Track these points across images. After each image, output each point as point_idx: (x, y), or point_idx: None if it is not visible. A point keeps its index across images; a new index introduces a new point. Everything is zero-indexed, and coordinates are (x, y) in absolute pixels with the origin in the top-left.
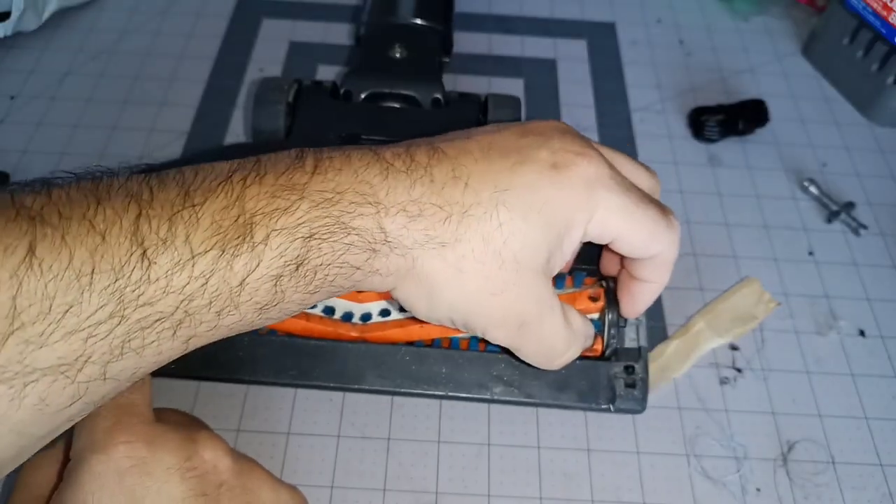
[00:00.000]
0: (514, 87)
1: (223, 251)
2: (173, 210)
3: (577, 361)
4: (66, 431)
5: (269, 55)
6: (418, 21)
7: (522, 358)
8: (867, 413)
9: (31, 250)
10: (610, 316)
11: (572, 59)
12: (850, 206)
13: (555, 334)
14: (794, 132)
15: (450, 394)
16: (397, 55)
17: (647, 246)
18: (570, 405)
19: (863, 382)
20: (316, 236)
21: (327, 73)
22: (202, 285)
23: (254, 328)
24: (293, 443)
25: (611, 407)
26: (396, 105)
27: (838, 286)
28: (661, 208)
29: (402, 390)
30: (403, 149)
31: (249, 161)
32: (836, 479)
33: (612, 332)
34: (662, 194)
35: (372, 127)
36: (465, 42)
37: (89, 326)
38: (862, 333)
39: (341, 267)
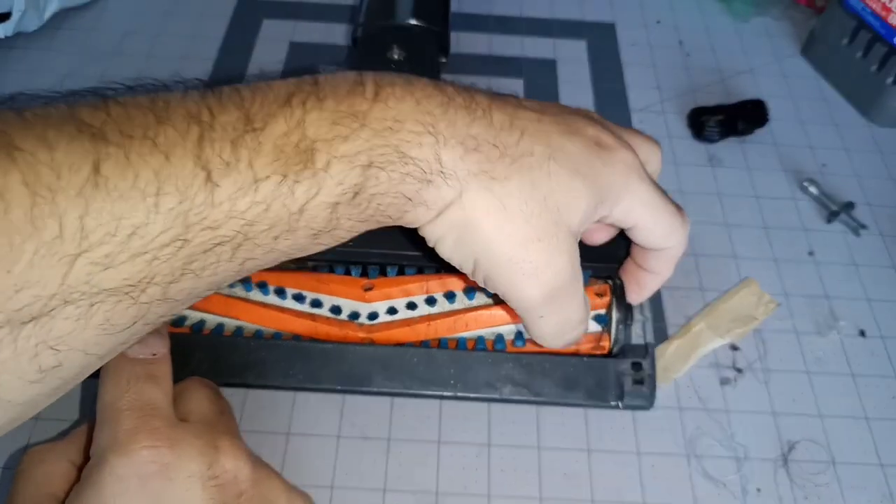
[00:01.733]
0: (514, 87)
1: (285, 177)
2: (235, 133)
3: (585, 359)
4: (81, 428)
5: (269, 56)
6: (415, 22)
7: (532, 329)
8: (867, 413)
9: (96, 169)
10: (617, 313)
11: (572, 59)
12: (849, 206)
13: (577, 303)
14: (793, 133)
15: (459, 394)
16: (395, 56)
17: (664, 239)
18: (578, 403)
19: (863, 383)
20: (375, 164)
21: (327, 72)
22: (264, 210)
23: (305, 253)
24: (293, 443)
25: (619, 404)
26: None
27: (838, 286)
28: (677, 206)
29: (411, 392)
30: (465, 88)
31: (307, 82)
32: (837, 480)
33: (620, 328)
34: None
35: None
36: (466, 42)
37: (154, 248)
38: (862, 334)
39: (395, 197)
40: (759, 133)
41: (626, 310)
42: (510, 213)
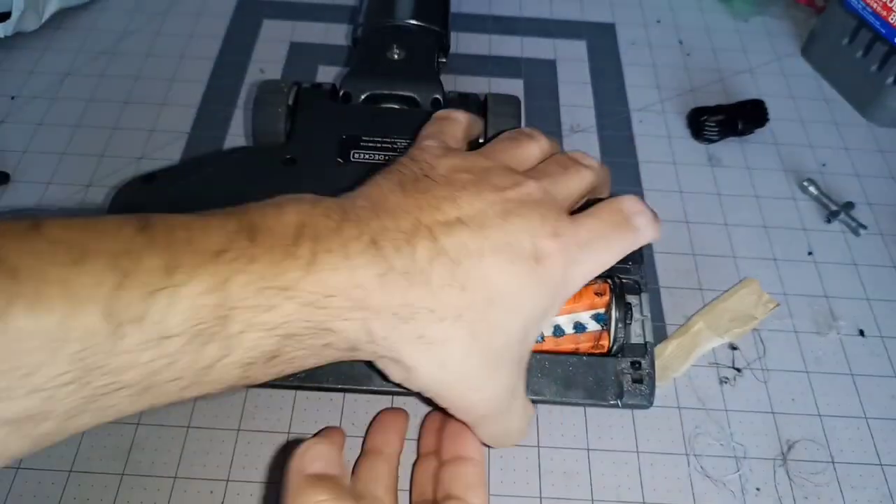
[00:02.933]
0: (513, 87)
1: (196, 336)
2: (152, 287)
3: (585, 358)
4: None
5: (269, 56)
6: (415, 22)
7: (473, 430)
8: (867, 413)
9: (6, 310)
10: (616, 312)
11: (572, 59)
12: (849, 206)
13: (513, 419)
14: (793, 132)
15: None
16: (395, 57)
17: (624, 253)
18: (578, 402)
19: (862, 382)
20: (296, 336)
21: (328, 73)
22: (168, 364)
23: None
24: (294, 443)
25: (619, 402)
26: (396, 106)
27: (838, 286)
28: (608, 216)
29: (412, 391)
30: (404, 237)
31: (243, 235)
32: (836, 479)
33: (619, 327)
34: (662, 195)
35: (372, 128)
36: (465, 42)
37: (52, 387)
38: (861, 333)
39: (318, 356)
40: (759, 133)
41: (626, 309)
42: (448, 371)
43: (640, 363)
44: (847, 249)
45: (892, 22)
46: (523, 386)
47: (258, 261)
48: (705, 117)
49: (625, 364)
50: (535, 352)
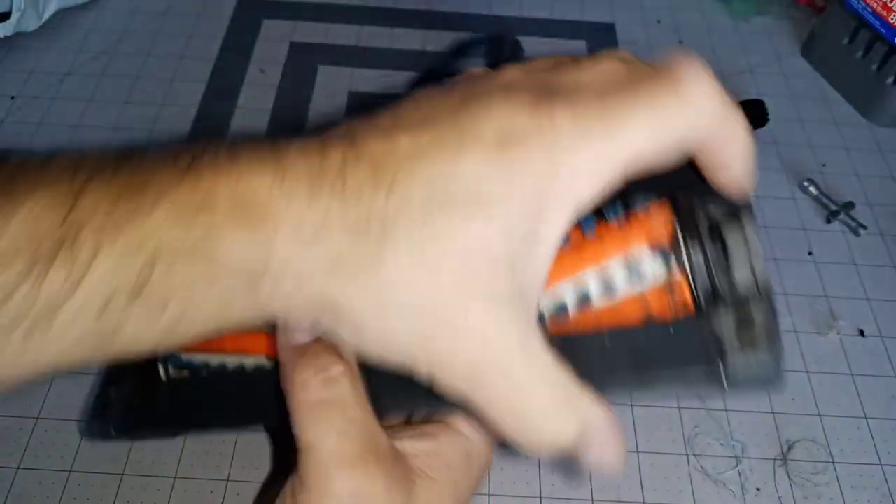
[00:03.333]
0: None
1: (32, 266)
2: None
3: (650, 329)
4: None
5: (269, 55)
6: None
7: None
8: (867, 413)
9: None
10: (688, 238)
11: None
12: (849, 206)
13: (528, 389)
14: (793, 132)
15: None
16: None
17: (669, 136)
18: (661, 387)
19: (862, 382)
20: (164, 258)
21: (327, 73)
22: (2, 299)
23: (89, 366)
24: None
25: (724, 378)
26: None
27: (838, 286)
28: (635, 74)
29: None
30: (317, 145)
31: (110, 161)
32: (836, 479)
33: (701, 258)
34: None
35: None
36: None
37: None
38: (861, 333)
39: (208, 301)
40: (759, 133)
41: (711, 233)
42: (392, 312)
43: (750, 316)
44: (847, 249)
45: (892, 22)
46: (533, 339)
47: (122, 169)
48: None
49: (725, 321)
50: (570, 329)
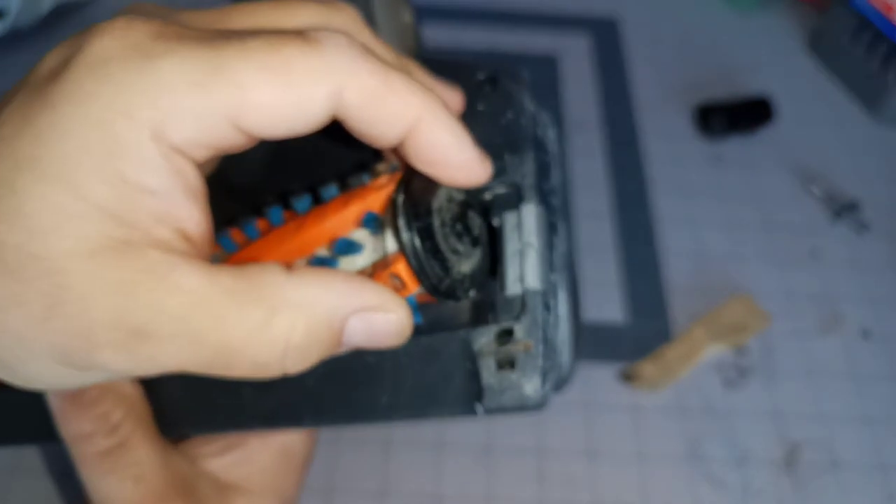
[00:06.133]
0: None
1: None
2: None
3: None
4: None
5: None
6: None
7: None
8: (871, 414)
9: None
10: (404, 213)
11: (575, 55)
12: (853, 206)
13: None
14: (798, 131)
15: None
16: None
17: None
18: (406, 416)
19: (867, 384)
20: None
21: None
22: None
23: None
24: None
25: (476, 407)
26: None
27: (842, 287)
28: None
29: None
30: None
31: None
32: (840, 482)
33: (410, 229)
34: (667, 193)
35: None
36: (466, 37)
37: None
38: (865, 334)
39: None
40: (764, 131)
41: (457, 211)
42: None
43: (510, 331)
44: (851, 250)
45: (894, 20)
46: (168, 266)
47: None
48: (710, 115)
49: (484, 334)
50: None
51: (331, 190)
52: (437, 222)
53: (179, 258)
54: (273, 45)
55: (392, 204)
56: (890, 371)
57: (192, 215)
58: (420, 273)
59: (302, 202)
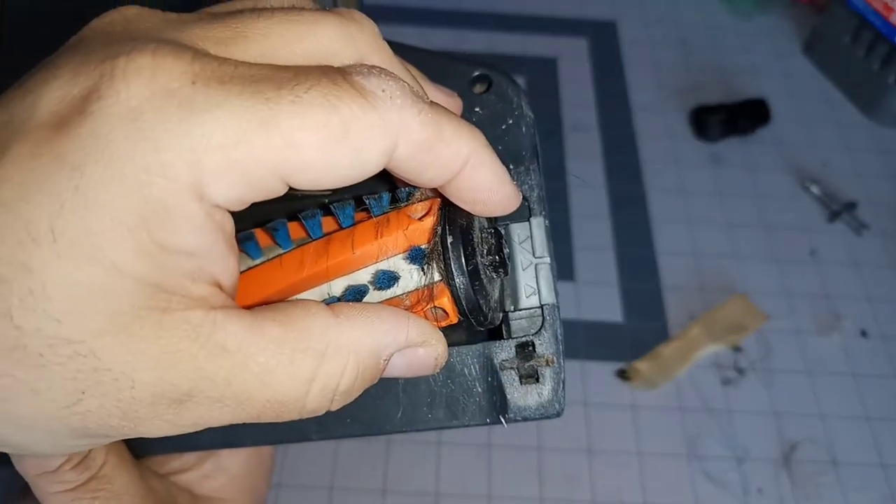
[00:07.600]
0: None
1: None
2: None
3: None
4: None
5: None
6: None
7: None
8: (869, 413)
9: None
10: (450, 239)
11: (573, 57)
12: (851, 205)
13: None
14: (795, 132)
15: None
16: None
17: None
18: (436, 426)
19: (865, 383)
20: None
21: None
22: None
23: None
24: (293, 445)
25: (502, 419)
26: None
27: (840, 286)
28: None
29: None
30: None
31: None
32: (838, 480)
33: (462, 278)
34: (664, 194)
35: None
36: (466, 40)
37: None
38: (864, 334)
39: None
40: (761, 132)
41: (491, 238)
42: None
43: (531, 345)
44: (849, 249)
45: (893, 22)
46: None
47: None
48: (707, 116)
49: (504, 349)
50: None
51: (383, 201)
52: (479, 259)
53: (220, 314)
54: (330, 101)
55: (441, 243)
56: (887, 370)
57: (228, 266)
58: (472, 312)
59: (346, 211)
